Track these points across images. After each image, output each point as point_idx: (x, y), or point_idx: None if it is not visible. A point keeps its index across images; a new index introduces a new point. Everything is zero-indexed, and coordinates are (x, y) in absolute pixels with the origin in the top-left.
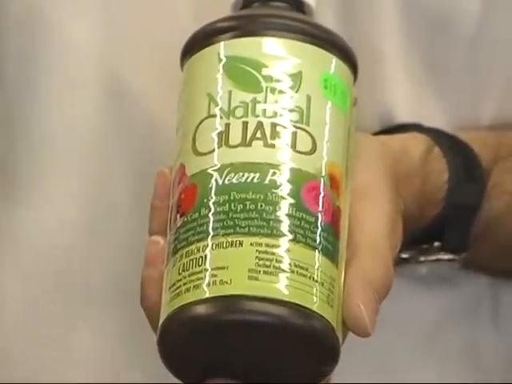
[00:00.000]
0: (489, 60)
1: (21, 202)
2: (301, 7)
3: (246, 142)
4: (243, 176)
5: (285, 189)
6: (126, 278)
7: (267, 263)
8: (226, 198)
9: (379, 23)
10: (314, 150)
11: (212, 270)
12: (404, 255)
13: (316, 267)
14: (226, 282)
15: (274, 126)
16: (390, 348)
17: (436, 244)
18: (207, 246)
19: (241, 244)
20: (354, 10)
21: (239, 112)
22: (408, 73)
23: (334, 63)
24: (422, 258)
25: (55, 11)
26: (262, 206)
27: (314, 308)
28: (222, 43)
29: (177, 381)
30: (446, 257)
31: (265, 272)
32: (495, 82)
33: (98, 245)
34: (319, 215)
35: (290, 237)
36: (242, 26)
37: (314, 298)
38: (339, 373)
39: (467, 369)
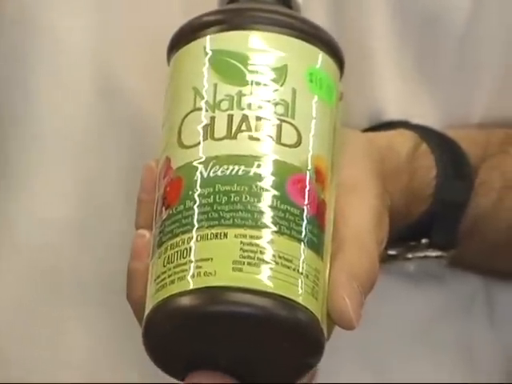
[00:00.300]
0: (479, 57)
1: (11, 201)
2: (287, 2)
3: (231, 135)
4: (228, 168)
5: (269, 181)
6: (118, 277)
7: (251, 255)
8: (211, 190)
9: (369, 19)
10: (299, 142)
11: (196, 261)
12: (391, 252)
13: (300, 259)
14: (211, 274)
15: (258, 118)
16: (383, 346)
17: (424, 241)
18: (192, 237)
19: (225, 236)
20: (344, 5)
21: (224, 105)
22: (398, 69)
23: (320, 57)
24: (410, 255)
25: (47, 12)
26: (246, 198)
27: (299, 300)
28: (208, 37)
29: (171, 380)
30: (434, 254)
31: (249, 263)
32: (485, 79)
33: (90, 244)
34: (304, 208)
35: (275, 229)
36: (228, 19)
37: (299, 289)
38: (331, 371)
39: (461, 366)
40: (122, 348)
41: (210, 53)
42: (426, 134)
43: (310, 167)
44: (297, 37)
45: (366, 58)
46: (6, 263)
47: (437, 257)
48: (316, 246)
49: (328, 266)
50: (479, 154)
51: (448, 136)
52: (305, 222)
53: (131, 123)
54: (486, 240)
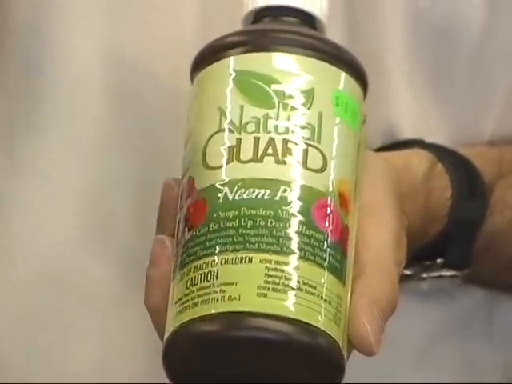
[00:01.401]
0: (492, 72)
1: (17, 210)
2: (312, 23)
3: (257, 158)
4: (254, 192)
5: (295, 206)
6: (123, 286)
7: (276, 280)
8: (236, 213)
9: (384, 37)
10: (324, 167)
11: (221, 285)
12: (407, 272)
13: (324, 285)
14: (235, 298)
15: (285, 142)
16: (387, 360)
17: (439, 261)
18: (216, 261)
19: (250, 260)
20: (360, 22)
21: (251, 127)
22: (411, 86)
23: (345, 80)
24: (425, 275)
25: (59, 21)
26: (272, 222)
27: (321, 326)
28: (232, 57)
29: None
30: (449, 273)
31: (274, 289)
32: (498, 95)
33: (95, 254)
34: (328, 233)
35: (299, 254)
36: (253, 40)
37: (321, 316)
38: None
39: (463, 381)
40: (125, 356)
41: (234, 73)
42: (440, 153)
43: (334, 192)
44: (323, 59)
45: (380, 76)
46: (11, 270)
47: (451, 276)
48: (339, 272)
49: (349, 291)
50: (493, 172)
51: (462, 155)
52: (328, 247)
53: (140, 135)
54: (501, 257)
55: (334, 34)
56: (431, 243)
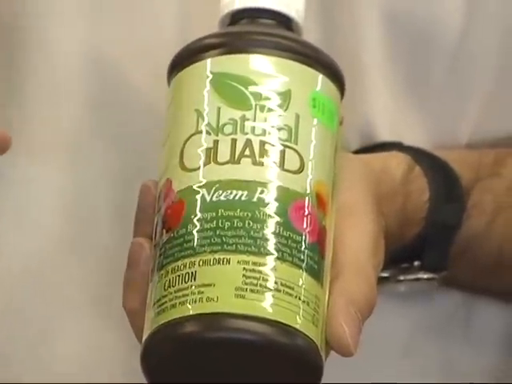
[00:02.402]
0: (470, 73)
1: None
2: (289, 25)
3: (234, 160)
4: (231, 193)
5: (272, 207)
6: (106, 288)
7: (254, 281)
8: (214, 214)
9: (361, 36)
10: (301, 168)
11: (198, 286)
12: (384, 274)
13: (301, 286)
14: (213, 300)
15: (262, 144)
16: (366, 363)
17: (416, 263)
18: (194, 262)
19: (228, 262)
20: (336, 21)
21: (228, 129)
22: (388, 87)
23: (322, 82)
24: (402, 277)
25: (40, 22)
26: (249, 223)
27: (299, 327)
28: (209, 59)
29: None
30: (426, 276)
31: (251, 290)
32: (476, 96)
33: (78, 254)
34: (305, 234)
35: (277, 255)
36: (230, 42)
37: (299, 317)
38: None
39: (442, 381)
40: (106, 355)
41: (211, 75)
42: (418, 156)
43: (312, 193)
44: (299, 61)
45: (358, 77)
46: None
47: (428, 279)
48: (316, 273)
49: (327, 292)
50: (471, 176)
51: (440, 158)
52: (306, 248)
53: (122, 136)
54: (477, 261)
55: (311, 34)
56: (408, 246)
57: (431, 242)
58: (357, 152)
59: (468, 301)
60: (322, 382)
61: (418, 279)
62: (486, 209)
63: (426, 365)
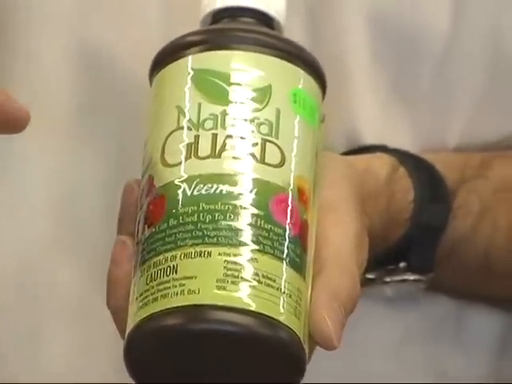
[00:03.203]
0: (456, 80)
1: None
2: (270, 23)
3: (215, 154)
4: (212, 187)
5: (253, 200)
6: (96, 290)
7: (235, 273)
8: (195, 208)
9: (347, 40)
10: (282, 162)
11: (180, 279)
12: (370, 276)
13: (283, 278)
14: (194, 292)
15: (242, 138)
16: (356, 367)
17: (402, 264)
18: (176, 256)
19: (209, 254)
20: (322, 25)
21: (208, 124)
22: (375, 92)
23: (303, 78)
24: (388, 279)
25: (26, 30)
26: (230, 216)
27: (281, 319)
28: (191, 56)
29: None
30: (412, 277)
31: (233, 282)
32: (462, 102)
33: (67, 257)
34: (287, 227)
35: (258, 247)
36: (211, 39)
37: (281, 308)
38: None
39: None
40: (95, 357)
41: (192, 72)
42: (403, 157)
43: (293, 187)
44: (280, 57)
45: (343, 80)
46: None
47: (415, 280)
48: (299, 266)
49: (310, 286)
50: (457, 178)
51: (426, 160)
52: (288, 241)
53: (110, 137)
54: (463, 263)
55: (297, 36)
56: (394, 247)
57: (417, 242)
58: (342, 155)
59: (458, 305)
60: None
61: (404, 281)
62: (472, 210)
63: (417, 370)
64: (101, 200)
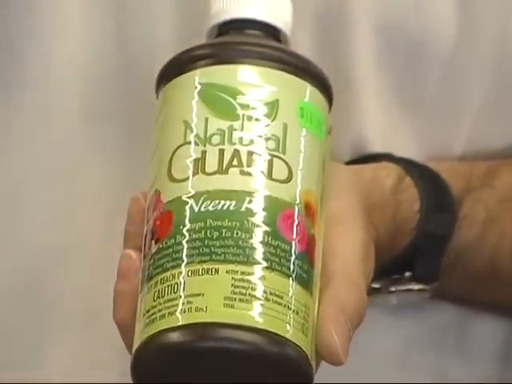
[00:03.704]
0: (462, 88)
1: None
2: (276, 35)
3: (222, 170)
4: (219, 203)
5: (261, 217)
6: (100, 300)
7: (243, 291)
8: (202, 225)
9: (354, 49)
10: (289, 178)
11: (187, 296)
12: (375, 285)
13: (290, 295)
14: (202, 309)
15: (250, 153)
16: (359, 376)
17: (407, 274)
18: (182, 272)
19: (216, 271)
20: (329, 35)
21: (216, 139)
22: (381, 99)
23: (309, 92)
24: (393, 288)
25: (34, 38)
26: (237, 233)
27: (289, 336)
28: (198, 70)
29: None
30: (417, 287)
31: (240, 300)
32: (468, 108)
33: (72, 267)
34: (294, 243)
35: (266, 265)
36: (218, 53)
37: (289, 326)
38: None
39: None
40: (99, 367)
41: (199, 86)
42: (409, 167)
43: (300, 203)
44: (287, 71)
45: (350, 89)
46: None
47: (419, 290)
48: (306, 282)
49: (317, 301)
50: (462, 187)
51: (431, 169)
52: (295, 257)
53: (116, 149)
54: (468, 273)
55: (304, 46)
56: (399, 256)
57: (422, 252)
58: (347, 163)
59: (462, 314)
60: None
61: (409, 290)
62: (478, 219)
63: (420, 378)
64: (104, 209)
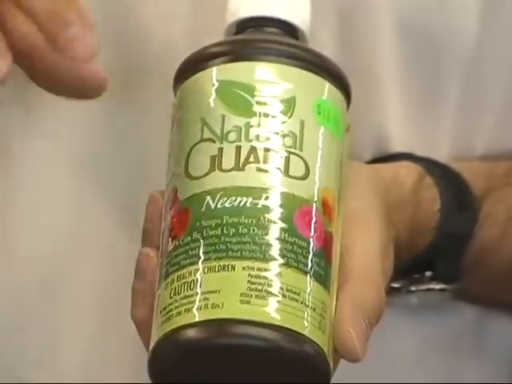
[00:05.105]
0: (485, 85)
1: (6, 213)
2: (294, 33)
3: (239, 167)
4: (236, 200)
5: (277, 213)
6: (113, 290)
7: (259, 287)
8: (219, 221)
9: (377, 47)
10: (307, 175)
11: (204, 293)
12: (395, 285)
13: (307, 292)
14: (218, 306)
15: (267, 150)
16: (375, 377)
17: (427, 274)
18: (199, 269)
19: (233, 268)
20: (353, 33)
21: (232, 136)
22: (403, 97)
23: (327, 89)
24: (413, 288)
25: None
26: (254, 230)
27: (306, 333)
28: (215, 68)
29: None
30: (438, 287)
31: (257, 296)
32: (491, 108)
33: (85, 257)
34: (311, 240)
35: (282, 261)
36: (235, 50)
37: (306, 322)
38: None
39: None
40: (113, 363)
41: (216, 84)
42: (429, 166)
43: (317, 200)
44: (304, 68)
45: (373, 86)
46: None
47: (440, 290)
48: (323, 279)
49: (334, 298)
50: (483, 186)
51: (452, 168)
52: (312, 254)
53: (133, 142)
54: (489, 272)
55: (327, 44)
56: (420, 256)
57: (443, 252)
58: (368, 163)
59: (480, 316)
60: None
61: (429, 290)
62: (499, 219)
63: (436, 379)
64: (119, 205)
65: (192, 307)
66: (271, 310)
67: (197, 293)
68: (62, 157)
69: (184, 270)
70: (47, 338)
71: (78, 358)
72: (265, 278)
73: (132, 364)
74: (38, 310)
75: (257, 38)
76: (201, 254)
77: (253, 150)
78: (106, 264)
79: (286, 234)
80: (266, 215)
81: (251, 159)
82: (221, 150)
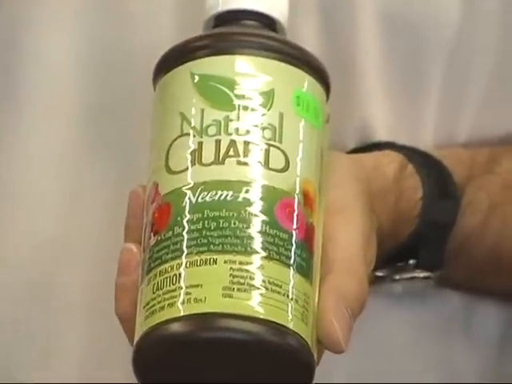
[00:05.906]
0: (466, 75)
1: None
2: (272, 26)
3: (218, 160)
4: (216, 194)
5: (258, 206)
6: (104, 290)
7: (241, 280)
8: (200, 216)
9: (358, 37)
10: (287, 167)
11: (186, 288)
12: (379, 273)
13: (290, 284)
14: (201, 300)
15: (246, 143)
16: (365, 365)
17: (411, 262)
18: (181, 264)
19: (215, 262)
20: (334, 23)
21: (212, 130)
22: (385, 88)
23: (306, 81)
24: (397, 276)
25: (31, 34)
26: (235, 223)
27: (289, 325)
28: (194, 62)
29: None
30: (422, 274)
31: (239, 289)
32: (472, 97)
33: (75, 258)
34: (293, 232)
35: (264, 254)
36: (214, 44)
37: (289, 315)
38: None
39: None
40: (110, 361)
41: (196, 78)
42: (411, 154)
43: (298, 191)
44: (283, 60)
45: (355, 77)
46: None
47: (424, 277)
48: (305, 271)
49: (317, 290)
50: (465, 174)
51: (434, 156)
52: (294, 246)
53: (118, 141)
54: (472, 260)
55: (309, 37)
56: (403, 244)
57: (426, 240)
58: (350, 152)
59: (468, 302)
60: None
61: (413, 278)
62: (481, 206)
63: (426, 367)
64: (104, 204)
65: (175, 302)
66: (254, 303)
67: (179, 287)
68: (50, 156)
69: (166, 265)
70: (42, 338)
71: (73, 359)
72: (247, 271)
73: (128, 364)
74: (31, 309)
75: (235, 32)
76: (183, 249)
77: (232, 143)
78: (99, 263)
79: (268, 227)
80: (246, 208)
81: (231, 153)
82: (200, 144)
